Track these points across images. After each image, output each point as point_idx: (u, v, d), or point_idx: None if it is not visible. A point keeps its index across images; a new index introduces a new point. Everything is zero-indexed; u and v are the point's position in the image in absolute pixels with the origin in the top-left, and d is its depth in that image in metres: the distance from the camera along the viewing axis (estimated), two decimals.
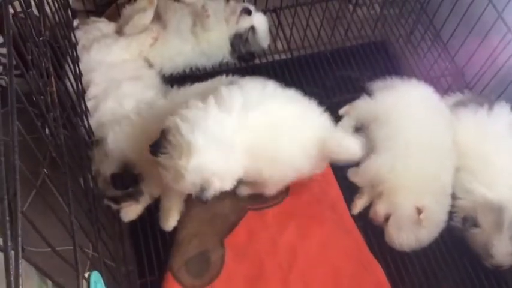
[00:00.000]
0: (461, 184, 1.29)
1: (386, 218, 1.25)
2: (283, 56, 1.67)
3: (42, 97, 0.86)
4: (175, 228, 1.22)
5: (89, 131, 1.21)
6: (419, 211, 1.20)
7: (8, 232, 0.49)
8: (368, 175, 1.30)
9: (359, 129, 1.42)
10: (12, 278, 0.47)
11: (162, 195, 1.22)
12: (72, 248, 0.72)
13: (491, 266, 1.24)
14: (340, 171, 1.32)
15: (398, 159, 1.25)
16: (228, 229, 1.23)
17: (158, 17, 1.52)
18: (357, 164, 1.33)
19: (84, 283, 0.70)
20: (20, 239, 0.50)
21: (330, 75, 1.64)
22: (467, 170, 1.29)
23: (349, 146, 1.11)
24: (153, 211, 1.25)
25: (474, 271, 1.29)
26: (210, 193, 1.02)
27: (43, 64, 0.93)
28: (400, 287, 1.25)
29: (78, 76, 1.24)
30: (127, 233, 1.30)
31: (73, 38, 1.35)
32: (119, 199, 1.19)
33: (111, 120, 1.24)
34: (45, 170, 0.75)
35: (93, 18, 1.53)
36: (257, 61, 1.62)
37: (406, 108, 1.33)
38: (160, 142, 1.03)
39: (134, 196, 1.20)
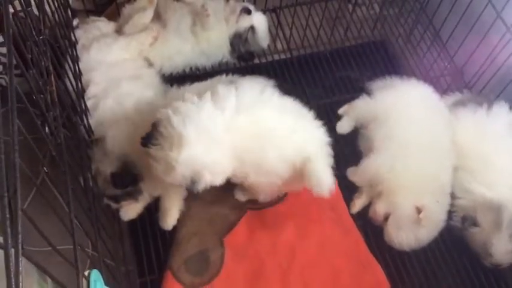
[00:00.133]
0: (460, 183, 1.29)
1: (386, 218, 1.26)
2: (283, 56, 1.67)
3: (42, 96, 0.86)
4: (175, 228, 1.23)
5: (89, 130, 1.21)
6: (418, 210, 1.20)
7: (9, 230, 0.49)
8: (367, 175, 1.30)
9: (358, 128, 1.43)
10: (12, 276, 0.47)
11: (162, 194, 1.22)
12: (71, 247, 0.72)
13: (490, 265, 1.24)
14: (339, 170, 1.32)
15: (397, 159, 1.25)
16: (227, 228, 1.24)
17: (158, 17, 1.52)
18: (356, 163, 1.34)
19: (84, 281, 0.70)
20: (20, 236, 0.50)
21: (330, 75, 1.64)
22: (466, 170, 1.29)
23: (321, 181, 1.04)
24: (152, 210, 1.25)
25: (473, 270, 1.30)
26: (200, 186, 1.01)
27: (43, 63, 0.93)
28: (399, 286, 1.25)
29: (78, 75, 1.24)
30: (127, 232, 1.30)
31: (73, 37, 1.35)
32: (119, 198, 1.19)
33: (110, 120, 1.24)
34: (45, 169, 0.75)
35: (92, 18, 1.53)
36: (257, 61, 1.63)
37: (405, 108, 1.33)
38: (151, 134, 1.03)
39: (133, 195, 1.20)
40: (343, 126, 1.45)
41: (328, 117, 1.44)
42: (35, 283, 0.86)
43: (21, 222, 0.52)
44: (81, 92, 1.23)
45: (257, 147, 1.05)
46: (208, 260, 1.18)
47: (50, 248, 0.66)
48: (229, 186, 1.23)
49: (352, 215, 1.31)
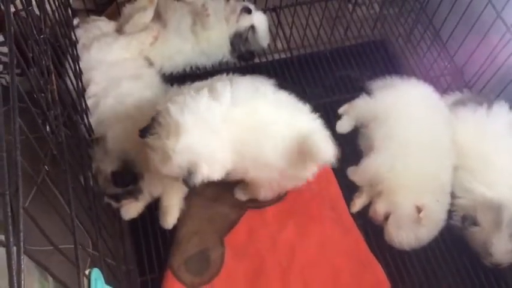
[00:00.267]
0: (460, 183, 1.29)
1: (386, 217, 1.26)
2: (283, 55, 1.67)
3: (43, 95, 0.87)
4: (175, 227, 1.23)
5: (89, 129, 1.21)
6: (418, 210, 1.20)
7: (10, 228, 0.49)
8: (367, 174, 1.30)
9: (358, 128, 1.43)
10: (14, 274, 0.48)
11: (162, 193, 1.23)
12: (72, 246, 0.72)
13: (490, 265, 1.25)
14: (339, 169, 1.32)
15: (397, 158, 1.26)
16: (227, 227, 1.24)
17: (158, 16, 1.52)
18: (356, 162, 1.34)
19: (85, 280, 0.70)
20: (21, 234, 0.50)
21: (330, 74, 1.64)
22: (466, 169, 1.29)
23: (323, 148, 1.04)
24: (153, 209, 1.26)
25: (473, 269, 1.30)
26: (197, 178, 0.99)
27: (44, 62, 0.93)
28: (399, 285, 1.25)
29: (78, 74, 1.24)
30: (127, 232, 1.30)
31: (73, 37, 1.35)
32: (119, 197, 1.20)
33: (111, 119, 1.24)
34: (46, 167, 0.75)
35: (93, 17, 1.53)
36: (257, 60, 1.63)
37: (405, 108, 1.33)
38: (150, 125, 1.03)
39: (134, 194, 1.20)
40: (343, 126, 1.45)
41: (328, 116, 1.44)
42: (36, 281, 0.86)
43: (22, 220, 0.52)
44: (81, 91, 1.23)
45: (253, 140, 1.04)
46: (208, 259, 1.18)
47: (51, 247, 0.66)
48: (229, 185, 1.24)
49: (352, 214, 1.31)
